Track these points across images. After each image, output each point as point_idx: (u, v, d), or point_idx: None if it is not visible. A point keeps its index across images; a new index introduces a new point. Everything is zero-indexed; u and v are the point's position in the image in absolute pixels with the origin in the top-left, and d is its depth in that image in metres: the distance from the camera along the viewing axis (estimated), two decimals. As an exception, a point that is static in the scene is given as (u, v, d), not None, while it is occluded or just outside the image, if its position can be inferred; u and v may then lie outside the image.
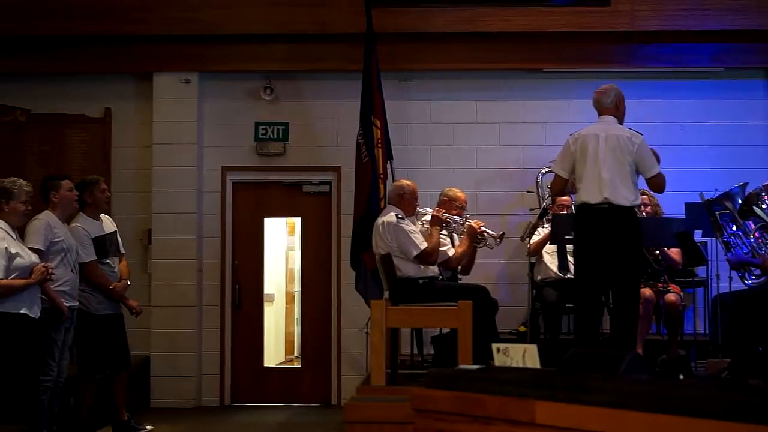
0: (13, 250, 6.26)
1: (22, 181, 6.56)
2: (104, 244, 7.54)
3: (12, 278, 6.23)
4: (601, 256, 6.56)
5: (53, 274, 6.56)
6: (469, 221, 7.92)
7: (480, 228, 7.86)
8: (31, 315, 6.33)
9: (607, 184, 6.50)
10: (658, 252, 7.98)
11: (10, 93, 9.77)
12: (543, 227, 8.33)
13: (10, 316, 6.20)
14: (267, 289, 10.08)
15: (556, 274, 8.24)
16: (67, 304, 6.90)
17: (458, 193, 8.16)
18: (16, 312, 6.23)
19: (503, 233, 7.95)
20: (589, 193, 6.56)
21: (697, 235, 7.83)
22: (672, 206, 8.20)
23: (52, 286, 6.67)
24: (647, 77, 9.44)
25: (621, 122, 6.81)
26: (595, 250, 6.59)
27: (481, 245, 8.01)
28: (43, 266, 6.43)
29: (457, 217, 7.86)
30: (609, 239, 6.51)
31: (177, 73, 9.57)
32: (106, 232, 7.61)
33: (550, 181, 7.29)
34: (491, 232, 7.88)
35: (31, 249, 6.57)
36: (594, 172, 6.55)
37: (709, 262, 8.27)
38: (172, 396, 9.33)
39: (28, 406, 6.28)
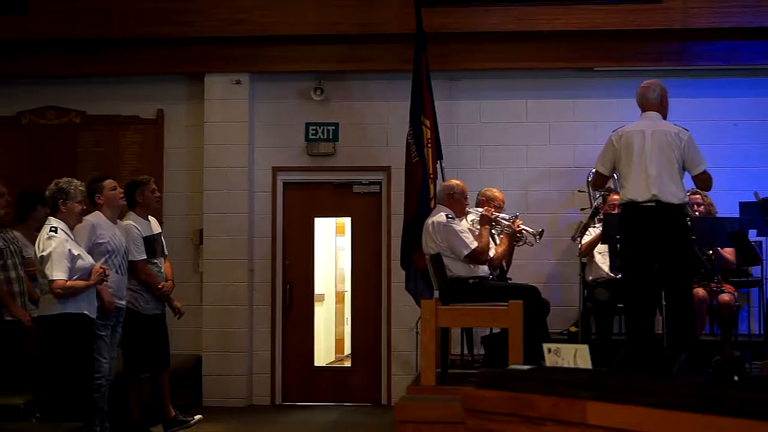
0: (75, 252, 6.34)
1: (76, 181, 6.61)
2: (152, 244, 7.62)
3: (74, 279, 6.31)
4: (649, 255, 6.46)
5: (108, 275, 6.63)
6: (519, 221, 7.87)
7: (518, 226, 7.82)
8: (90, 315, 6.43)
9: (654, 181, 6.39)
10: (711, 252, 7.89)
11: (65, 95, 9.93)
12: (594, 227, 8.27)
13: (72, 317, 6.29)
14: (317, 289, 10.13)
15: (607, 273, 8.17)
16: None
17: (496, 192, 8.12)
18: (78, 312, 6.32)
19: (542, 230, 7.89)
20: (636, 190, 6.46)
21: (752, 235, 7.72)
22: (726, 205, 8.11)
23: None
24: (699, 75, 9.33)
25: (665, 118, 6.71)
26: (643, 249, 6.48)
27: (520, 243, 7.97)
28: (101, 267, 6.50)
29: (506, 216, 7.83)
30: (658, 237, 6.40)
31: (228, 75, 9.64)
32: (154, 233, 7.70)
33: (592, 178, 7.23)
34: (530, 230, 7.83)
35: None
36: (640, 169, 6.44)
37: (764, 261, 8.16)
38: (223, 395, 9.41)
39: (83, 403, 6.34)
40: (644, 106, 6.70)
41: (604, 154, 6.74)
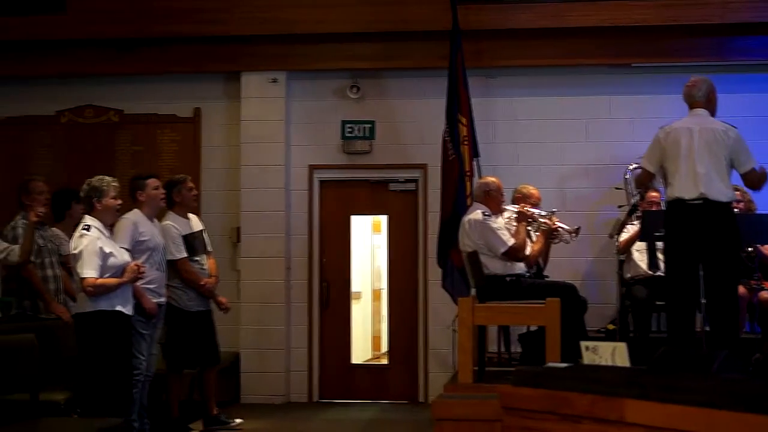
0: (107, 250, 6.38)
1: (108, 177, 6.64)
2: (193, 242, 7.67)
3: (106, 277, 6.36)
4: (696, 253, 6.36)
5: (143, 272, 6.68)
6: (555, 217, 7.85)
7: (555, 223, 7.78)
8: (126, 312, 6.47)
9: (702, 179, 6.29)
10: (751, 249, 7.81)
11: (103, 94, 10.02)
12: (632, 224, 8.22)
13: (106, 314, 6.33)
14: (354, 286, 10.14)
15: (645, 271, 8.12)
16: (154, 301, 7.03)
17: (531, 189, 8.10)
18: (111, 309, 6.36)
19: (578, 227, 7.86)
20: (684, 188, 6.36)
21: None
22: (766, 202, 8.02)
23: (138, 284, 6.80)
24: (739, 70, 9.22)
25: (713, 115, 6.64)
26: (690, 247, 6.38)
27: (556, 241, 7.94)
28: (135, 265, 6.55)
29: (543, 212, 7.80)
30: (705, 235, 6.31)
31: (265, 73, 9.68)
32: (194, 230, 7.74)
33: (634, 174, 7.15)
34: (566, 227, 7.80)
35: None
36: (688, 167, 6.34)
37: (805, 259, 8.07)
38: (261, 392, 9.45)
39: (121, 399, 6.40)
40: (691, 104, 6.61)
41: (650, 152, 6.64)
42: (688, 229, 6.37)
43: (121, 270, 6.45)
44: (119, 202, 6.65)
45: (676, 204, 6.43)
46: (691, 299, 6.52)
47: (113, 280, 6.37)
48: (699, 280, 6.45)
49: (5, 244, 7.08)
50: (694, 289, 6.50)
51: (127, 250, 6.80)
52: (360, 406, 9.42)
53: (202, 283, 7.65)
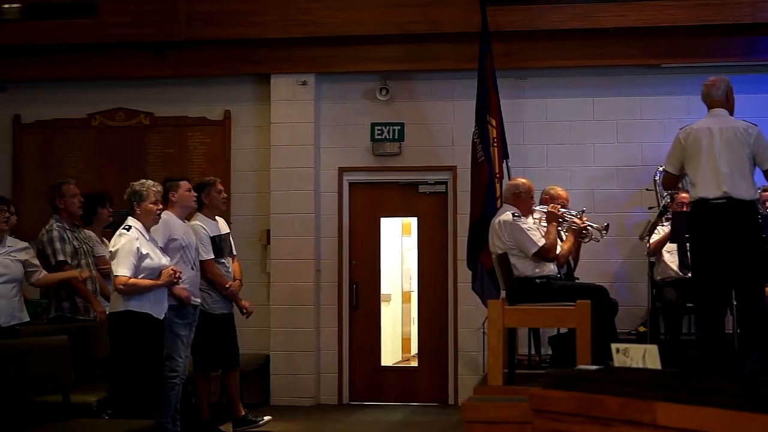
0: (144, 251, 6.40)
1: (150, 182, 6.70)
2: (220, 244, 7.71)
3: (140, 278, 6.39)
4: (721, 253, 6.33)
5: (180, 278, 6.71)
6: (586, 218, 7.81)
7: (584, 222, 7.75)
8: (155, 316, 6.49)
9: (725, 179, 6.28)
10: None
11: (134, 97, 10.08)
12: (662, 226, 8.17)
13: (135, 315, 6.36)
14: (384, 288, 10.14)
15: (676, 273, 8.08)
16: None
17: (560, 190, 8.07)
18: (140, 311, 6.39)
19: (607, 224, 7.82)
20: (706, 188, 6.35)
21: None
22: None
23: None
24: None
25: (732, 114, 6.61)
26: (714, 247, 6.36)
27: (586, 240, 7.91)
28: (172, 269, 6.58)
29: (573, 212, 7.77)
30: (730, 235, 6.29)
31: (294, 75, 9.70)
32: (222, 233, 7.78)
33: (661, 179, 7.13)
34: (595, 225, 7.76)
35: None
36: (710, 167, 6.34)
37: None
38: (291, 394, 9.48)
39: (151, 401, 6.43)
40: (710, 104, 6.60)
41: (671, 154, 6.66)
42: (713, 228, 6.34)
43: (157, 272, 6.48)
44: (159, 207, 6.69)
45: (699, 204, 6.43)
46: (719, 300, 6.48)
47: (147, 282, 6.40)
48: (727, 281, 6.41)
49: (35, 263, 7.11)
50: (723, 289, 6.46)
51: (160, 249, 6.84)
52: (389, 408, 9.42)
53: (226, 285, 7.68)
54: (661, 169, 8.76)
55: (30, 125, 10.19)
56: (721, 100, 6.56)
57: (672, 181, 6.80)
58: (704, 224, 6.41)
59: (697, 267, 6.59)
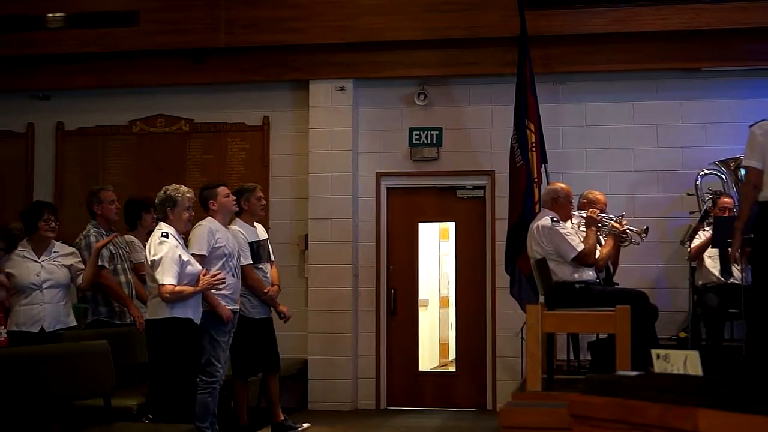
0: (184, 258, 6.45)
1: (184, 188, 6.71)
2: (258, 250, 7.75)
3: (183, 285, 6.43)
4: None
5: (221, 282, 6.74)
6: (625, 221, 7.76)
7: (623, 226, 7.69)
8: (196, 321, 6.53)
9: None
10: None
11: (174, 104, 10.18)
12: (704, 230, 8.11)
13: (179, 321, 6.39)
14: (421, 293, 10.14)
15: (718, 278, 8.00)
16: (229, 308, 7.08)
17: (598, 195, 8.01)
18: (185, 317, 6.42)
19: (647, 227, 7.75)
20: None
21: None
22: None
23: (212, 291, 6.86)
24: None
25: None
26: None
27: (626, 244, 7.84)
28: (211, 276, 6.61)
29: (612, 217, 7.72)
30: None
31: (332, 81, 9.73)
32: (260, 239, 7.82)
33: (741, 185, 6.83)
34: (634, 229, 7.70)
35: (193, 254, 6.75)
36: None
37: None
38: (329, 399, 9.49)
39: (191, 406, 6.46)
40: None
41: (752, 150, 6.28)
42: None
43: (195, 278, 6.52)
44: (192, 214, 6.71)
45: None
46: None
47: (190, 288, 6.42)
48: None
49: (81, 267, 7.18)
50: None
51: (203, 256, 6.88)
52: (427, 413, 9.41)
53: (265, 290, 7.71)
54: (702, 173, 8.71)
55: (72, 132, 10.32)
56: None
57: (758, 176, 6.31)
58: None
59: (762, 270, 6.23)
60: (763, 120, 6.39)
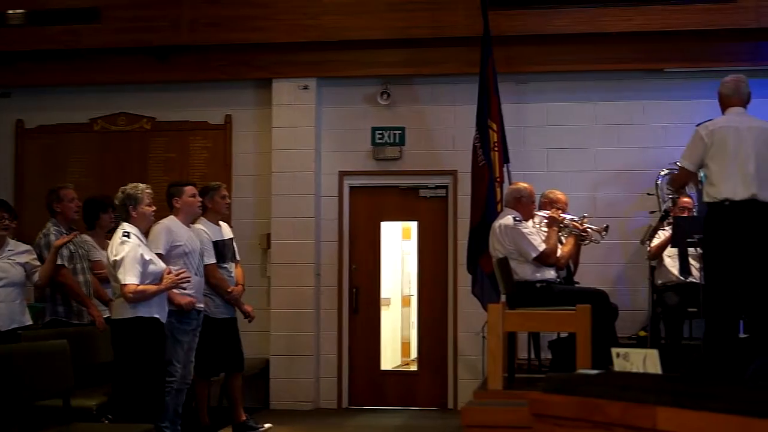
0: (147, 257, 6.42)
1: (142, 185, 6.68)
2: (222, 249, 7.72)
3: (146, 284, 6.39)
4: (743, 256, 6.06)
5: (186, 280, 6.70)
6: (586, 222, 7.81)
7: (583, 225, 7.74)
8: (161, 319, 6.50)
9: (754, 180, 6.03)
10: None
11: (136, 102, 10.11)
12: (663, 230, 8.17)
13: (144, 321, 6.37)
14: (383, 293, 10.13)
15: (677, 277, 8.06)
16: (193, 305, 7.07)
17: (559, 194, 8.05)
18: (150, 316, 6.40)
19: (607, 225, 7.81)
20: (732, 189, 6.06)
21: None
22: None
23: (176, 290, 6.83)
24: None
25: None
26: (736, 249, 6.07)
27: (586, 242, 7.89)
28: (175, 275, 6.57)
29: (575, 217, 7.77)
30: (754, 238, 6.04)
31: (295, 80, 9.70)
32: (225, 238, 7.78)
33: (672, 175, 6.96)
34: (594, 227, 7.75)
35: None
36: (736, 167, 6.07)
37: None
38: (290, 398, 9.47)
39: (153, 405, 6.43)
40: (735, 101, 6.30)
41: (692, 151, 6.30)
42: (737, 230, 6.08)
43: (159, 277, 6.48)
44: (153, 209, 6.69)
45: (722, 206, 6.14)
46: (736, 305, 6.21)
47: (153, 287, 6.40)
48: (744, 284, 6.14)
49: (37, 264, 7.11)
50: (740, 294, 6.18)
51: (161, 255, 6.84)
52: (389, 412, 9.42)
53: (229, 290, 7.68)
54: (663, 173, 8.77)
55: (32, 130, 10.21)
56: (744, 98, 6.32)
57: (689, 178, 6.49)
58: (727, 225, 6.13)
59: (714, 269, 6.29)
60: (709, 120, 6.41)
